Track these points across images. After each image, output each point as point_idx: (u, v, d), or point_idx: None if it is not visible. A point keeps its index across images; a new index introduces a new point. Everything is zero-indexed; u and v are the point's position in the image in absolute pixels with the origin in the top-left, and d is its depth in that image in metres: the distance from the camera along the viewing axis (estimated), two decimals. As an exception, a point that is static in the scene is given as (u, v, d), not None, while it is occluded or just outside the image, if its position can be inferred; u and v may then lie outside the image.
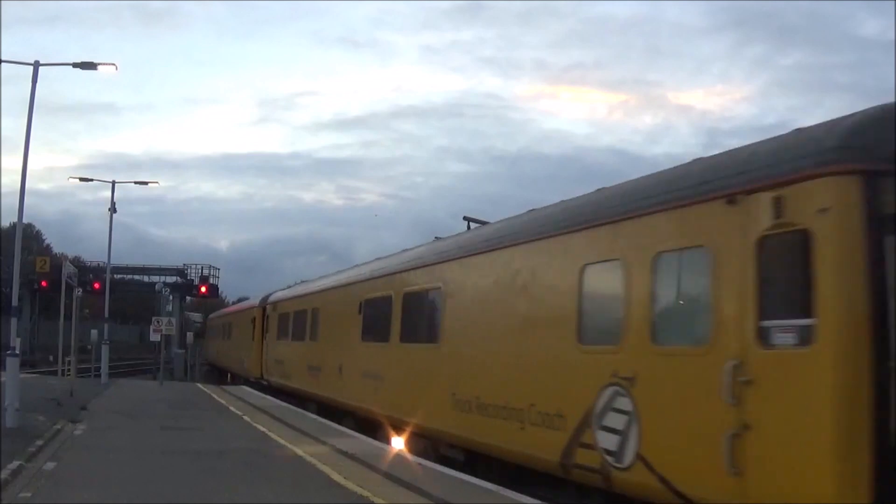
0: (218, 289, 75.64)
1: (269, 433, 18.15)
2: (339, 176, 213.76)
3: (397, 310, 17.30)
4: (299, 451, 15.21)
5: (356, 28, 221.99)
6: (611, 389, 9.74)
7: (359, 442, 17.00)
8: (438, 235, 18.24)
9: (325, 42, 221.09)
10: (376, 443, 16.89)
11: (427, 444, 15.55)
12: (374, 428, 18.23)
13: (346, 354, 21.12)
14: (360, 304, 20.04)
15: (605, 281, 10.47)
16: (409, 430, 15.95)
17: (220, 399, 29.09)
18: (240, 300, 53.38)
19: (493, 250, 13.45)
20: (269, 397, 30.13)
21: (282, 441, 16.79)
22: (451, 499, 10.85)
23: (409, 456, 14.99)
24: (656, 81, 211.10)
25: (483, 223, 16.65)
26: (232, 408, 25.05)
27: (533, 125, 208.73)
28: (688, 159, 10.20)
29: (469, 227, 17.12)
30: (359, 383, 19.45)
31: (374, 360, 18.58)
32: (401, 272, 17.74)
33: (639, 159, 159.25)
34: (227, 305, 71.75)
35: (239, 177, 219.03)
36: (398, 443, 16.37)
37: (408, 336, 16.71)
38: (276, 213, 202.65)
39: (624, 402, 9.51)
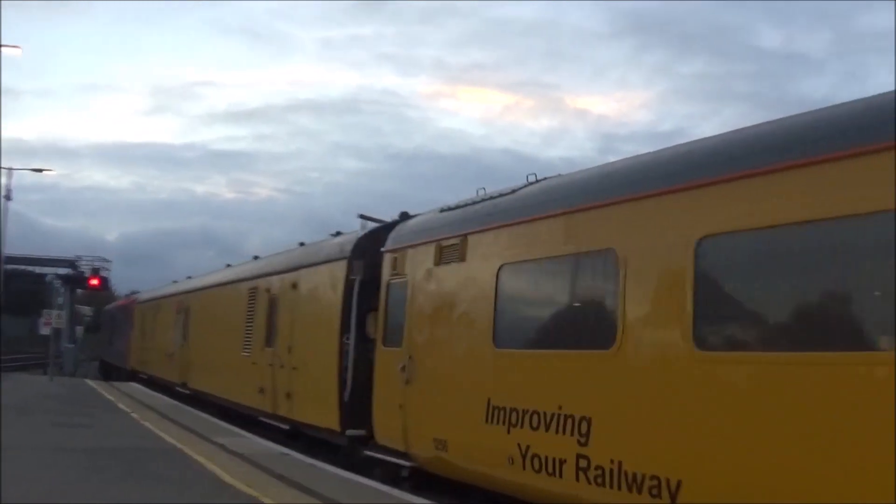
0: (109, 281, 73.66)
1: (158, 431, 18.13)
2: (232, 169, 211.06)
3: None
4: (188, 450, 15.26)
5: (256, 19, 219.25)
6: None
7: (248, 441, 17.15)
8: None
9: (225, 31, 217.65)
10: (266, 442, 17.06)
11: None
12: None
13: None
14: None
15: None
16: None
17: (109, 396, 28.74)
18: (132, 293, 49.73)
19: None
20: (157, 394, 29.84)
21: (171, 440, 16.79)
22: (341, 499, 11.07)
23: (299, 456, 15.23)
24: (555, 84, 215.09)
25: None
26: (121, 405, 24.80)
27: (430, 124, 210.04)
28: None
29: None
30: None
31: None
32: None
33: (534, 161, 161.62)
34: (117, 299, 69.02)
35: (131, 167, 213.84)
36: None
37: None
38: (167, 204, 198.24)
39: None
